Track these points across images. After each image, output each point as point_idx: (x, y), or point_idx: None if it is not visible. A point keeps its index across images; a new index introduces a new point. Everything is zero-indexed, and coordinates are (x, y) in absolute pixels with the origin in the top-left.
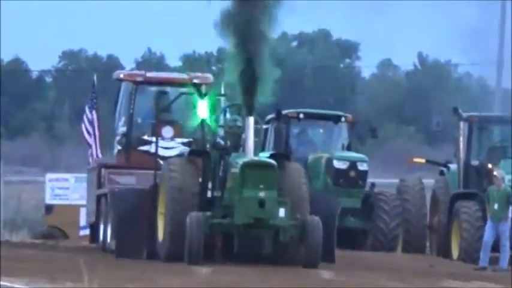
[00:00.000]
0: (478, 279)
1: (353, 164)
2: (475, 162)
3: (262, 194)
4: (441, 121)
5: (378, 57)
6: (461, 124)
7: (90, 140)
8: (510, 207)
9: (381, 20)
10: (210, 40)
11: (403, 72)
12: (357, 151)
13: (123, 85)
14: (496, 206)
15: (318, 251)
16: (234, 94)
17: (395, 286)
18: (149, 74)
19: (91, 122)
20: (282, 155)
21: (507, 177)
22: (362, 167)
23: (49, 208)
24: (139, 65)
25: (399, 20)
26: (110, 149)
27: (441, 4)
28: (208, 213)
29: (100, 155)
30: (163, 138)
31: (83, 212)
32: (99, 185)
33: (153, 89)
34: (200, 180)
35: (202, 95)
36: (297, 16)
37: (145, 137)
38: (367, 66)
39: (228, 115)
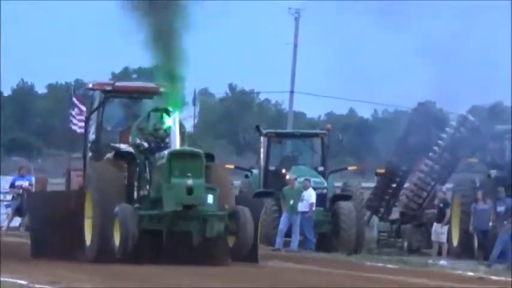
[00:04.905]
0: (275, 259)
1: None
2: (272, 168)
3: (190, 182)
4: (246, 136)
5: (197, 86)
6: (262, 138)
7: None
8: (299, 202)
9: (198, 56)
10: (70, 71)
11: (217, 99)
12: None
13: (95, 94)
14: (291, 202)
15: (249, 243)
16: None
17: (213, 265)
18: (118, 84)
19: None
20: (207, 155)
21: (298, 179)
22: None
23: None
24: (15, 92)
25: (214, 55)
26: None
27: (247, 45)
28: (137, 205)
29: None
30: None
31: None
32: (69, 187)
33: (122, 98)
34: (126, 181)
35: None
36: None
37: (113, 144)
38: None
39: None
